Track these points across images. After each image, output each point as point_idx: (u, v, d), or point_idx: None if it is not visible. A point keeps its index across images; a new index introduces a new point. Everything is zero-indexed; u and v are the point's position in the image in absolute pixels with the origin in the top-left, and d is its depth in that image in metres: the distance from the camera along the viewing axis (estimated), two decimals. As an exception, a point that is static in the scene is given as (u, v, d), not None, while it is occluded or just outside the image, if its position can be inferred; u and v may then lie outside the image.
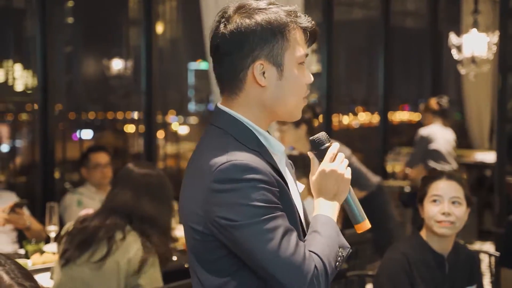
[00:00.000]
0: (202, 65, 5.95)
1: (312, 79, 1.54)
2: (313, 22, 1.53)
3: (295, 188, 1.61)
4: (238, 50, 1.46)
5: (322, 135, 1.57)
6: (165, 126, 5.75)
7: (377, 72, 6.92)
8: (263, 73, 1.47)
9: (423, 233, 2.41)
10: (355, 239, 4.31)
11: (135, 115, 5.27)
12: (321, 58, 6.33)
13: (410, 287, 2.29)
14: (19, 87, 4.77)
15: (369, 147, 7.28)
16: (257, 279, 1.44)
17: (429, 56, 7.53)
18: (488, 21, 6.04)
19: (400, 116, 7.52)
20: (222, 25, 1.48)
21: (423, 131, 5.46)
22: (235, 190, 1.38)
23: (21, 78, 4.77)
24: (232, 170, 1.39)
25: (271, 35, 1.46)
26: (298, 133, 3.93)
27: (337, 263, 1.45)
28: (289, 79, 1.49)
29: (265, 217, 1.38)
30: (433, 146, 5.38)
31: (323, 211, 1.51)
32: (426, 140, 5.40)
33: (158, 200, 2.62)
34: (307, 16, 1.53)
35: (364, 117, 7.39)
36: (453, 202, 2.33)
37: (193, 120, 6.20)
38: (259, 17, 1.46)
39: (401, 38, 7.52)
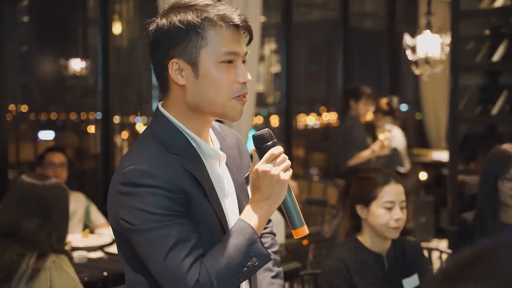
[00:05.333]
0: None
1: (248, 77, 1.47)
2: (242, 18, 1.47)
3: (233, 190, 1.58)
4: (156, 51, 1.49)
5: (265, 132, 1.49)
6: (130, 126, 5.71)
7: (336, 72, 6.99)
8: (181, 72, 1.46)
9: (363, 235, 2.41)
10: (314, 238, 4.39)
11: (97, 115, 5.22)
12: (280, 58, 6.37)
13: None
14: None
15: (330, 147, 7.34)
16: None
17: (387, 56, 7.63)
18: (441, 23, 6.15)
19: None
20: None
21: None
22: (134, 194, 1.41)
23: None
24: (133, 174, 1.41)
25: (184, 34, 1.44)
26: None
27: (239, 274, 1.41)
28: (206, 78, 1.45)
29: (158, 224, 1.38)
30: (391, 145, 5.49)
31: (246, 216, 1.46)
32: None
33: (27, 211, 2.34)
34: (237, 13, 1.47)
35: (324, 117, 7.45)
36: (401, 208, 2.35)
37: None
38: (176, 17, 1.46)
39: (359, 39, 7.60)
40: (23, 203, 2.36)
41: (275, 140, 1.49)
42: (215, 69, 1.46)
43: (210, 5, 1.48)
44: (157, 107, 1.55)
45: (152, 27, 1.49)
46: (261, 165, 1.46)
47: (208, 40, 1.45)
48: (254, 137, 1.49)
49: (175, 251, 1.38)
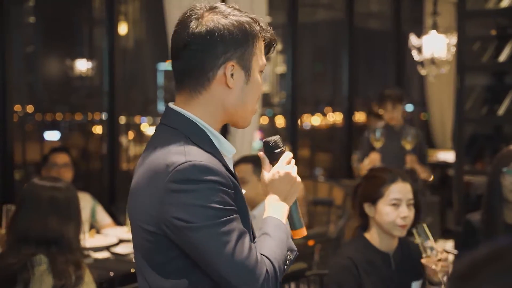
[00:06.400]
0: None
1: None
2: (273, 33, 1.56)
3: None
4: (212, 49, 1.46)
5: (277, 138, 1.60)
6: (135, 127, 5.72)
7: (341, 72, 6.98)
8: (232, 75, 1.48)
9: (370, 234, 2.44)
10: (320, 239, 4.39)
11: (103, 116, 5.23)
12: (286, 59, 6.37)
13: None
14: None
15: (335, 147, 7.34)
16: (207, 282, 1.43)
17: (393, 57, 7.62)
18: (448, 23, 6.13)
19: (365, 116, 7.59)
20: (193, 23, 1.46)
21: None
22: (192, 191, 1.38)
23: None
24: (191, 171, 1.38)
25: (245, 39, 1.48)
26: None
27: (285, 266, 1.47)
28: (253, 85, 1.52)
29: (221, 219, 1.38)
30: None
31: (274, 213, 1.53)
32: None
33: (65, 217, 2.36)
34: (268, 26, 1.56)
35: (329, 118, 7.44)
36: (408, 205, 2.37)
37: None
38: (235, 19, 1.48)
39: (365, 39, 7.59)
40: (42, 208, 2.35)
41: (285, 146, 1.62)
42: (259, 77, 1.55)
43: (245, 13, 1.53)
44: (172, 107, 1.52)
45: (210, 24, 1.46)
46: (283, 168, 1.57)
47: (256, 49, 1.52)
48: (266, 142, 1.60)
49: (240, 245, 1.39)
